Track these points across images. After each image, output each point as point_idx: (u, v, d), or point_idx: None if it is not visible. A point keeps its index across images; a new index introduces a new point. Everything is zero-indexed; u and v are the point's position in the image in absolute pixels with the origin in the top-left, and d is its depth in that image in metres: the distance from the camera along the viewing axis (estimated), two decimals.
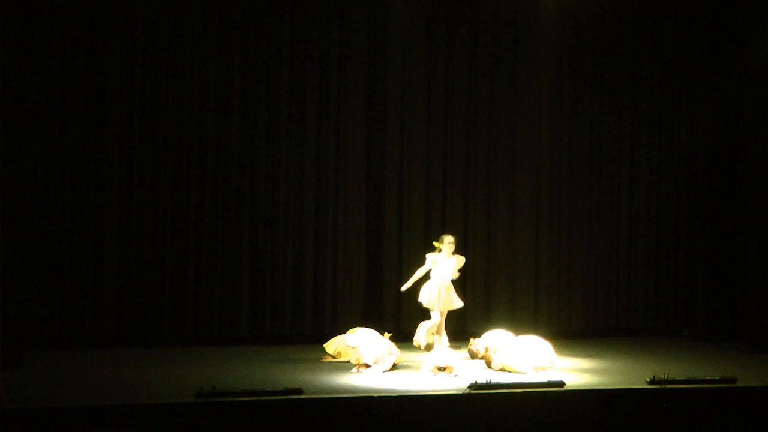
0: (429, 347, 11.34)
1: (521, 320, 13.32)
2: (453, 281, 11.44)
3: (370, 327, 11.70)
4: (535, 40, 13.80)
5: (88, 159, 12.17)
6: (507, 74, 13.78)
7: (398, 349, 11.02)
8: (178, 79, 12.53)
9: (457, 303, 11.50)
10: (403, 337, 12.00)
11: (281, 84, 12.94)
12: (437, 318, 11.33)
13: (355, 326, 11.83)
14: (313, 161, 13.05)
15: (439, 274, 11.26)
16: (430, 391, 9.63)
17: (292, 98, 12.98)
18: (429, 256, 11.32)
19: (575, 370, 11.01)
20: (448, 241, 11.28)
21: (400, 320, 13.00)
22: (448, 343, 11.50)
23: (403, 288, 11.49)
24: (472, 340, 11.77)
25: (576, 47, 14.04)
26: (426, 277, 11.39)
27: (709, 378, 10.39)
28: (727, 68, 13.80)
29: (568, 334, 13.60)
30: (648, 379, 10.04)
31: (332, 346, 11.71)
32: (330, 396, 9.33)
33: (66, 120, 12.07)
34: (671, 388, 9.90)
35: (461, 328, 13.00)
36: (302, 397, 9.13)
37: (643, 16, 14.26)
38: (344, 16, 13.17)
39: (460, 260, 11.42)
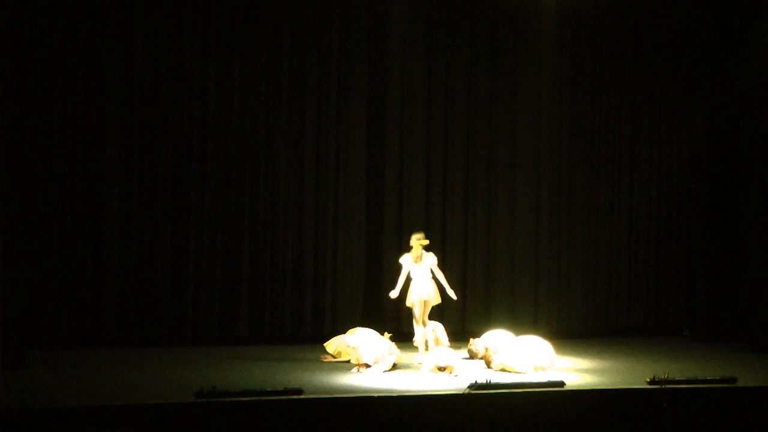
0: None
1: (521, 320, 13.33)
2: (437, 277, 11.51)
3: (370, 327, 11.72)
4: (535, 39, 13.79)
5: (88, 159, 12.16)
6: (507, 74, 13.78)
7: (398, 349, 11.02)
8: (178, 78, 12.53)
9: (437, 299, 11.49)
10: (403, 337, 12.00)
11: (281, 84, 12.94)
12: (418, 311, 11.36)
13: (355, 326, 11.85)
14: (313, 161, 13.05)
15: (418, 272, 11.35)
16: (430, 391, 9.63)
17: (292, 98, 12.98)
18: (402, 260, 11.43)
19: (575, 370, 11.02)
20: (416, 238, 11.37)
21: (400, 320, 12.97)
22: (448, 343, 11.51)
23: (392, 294, 11.48)
24: (472, 340, 11.78)
25: (576, 47, 14.04)
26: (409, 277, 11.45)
27: (709, 378, 10.40)
28: (727, 68, 13.80)
29: (568, 334, 13.59)
30: (648, 379, 10.05)
31: (332, 346, 11.71)
32: (330, 396, 9.34)
33: (66, 120, 12.06)
34: (671, 388, 9.90)
35: (461, 328, 13.01)
36: (302, 397, 9.13)
37: (643, 16, 14.26)
38: (344, 16, 13.17)
39: (428, 256, 11.45)
